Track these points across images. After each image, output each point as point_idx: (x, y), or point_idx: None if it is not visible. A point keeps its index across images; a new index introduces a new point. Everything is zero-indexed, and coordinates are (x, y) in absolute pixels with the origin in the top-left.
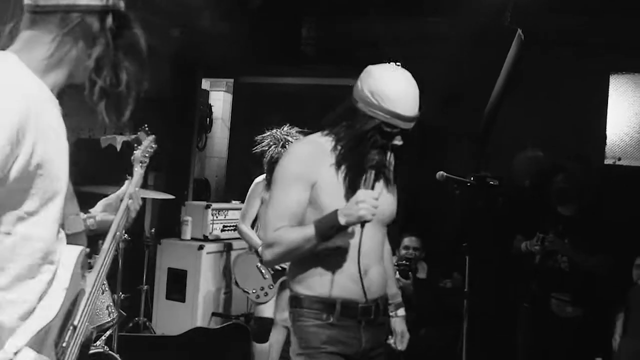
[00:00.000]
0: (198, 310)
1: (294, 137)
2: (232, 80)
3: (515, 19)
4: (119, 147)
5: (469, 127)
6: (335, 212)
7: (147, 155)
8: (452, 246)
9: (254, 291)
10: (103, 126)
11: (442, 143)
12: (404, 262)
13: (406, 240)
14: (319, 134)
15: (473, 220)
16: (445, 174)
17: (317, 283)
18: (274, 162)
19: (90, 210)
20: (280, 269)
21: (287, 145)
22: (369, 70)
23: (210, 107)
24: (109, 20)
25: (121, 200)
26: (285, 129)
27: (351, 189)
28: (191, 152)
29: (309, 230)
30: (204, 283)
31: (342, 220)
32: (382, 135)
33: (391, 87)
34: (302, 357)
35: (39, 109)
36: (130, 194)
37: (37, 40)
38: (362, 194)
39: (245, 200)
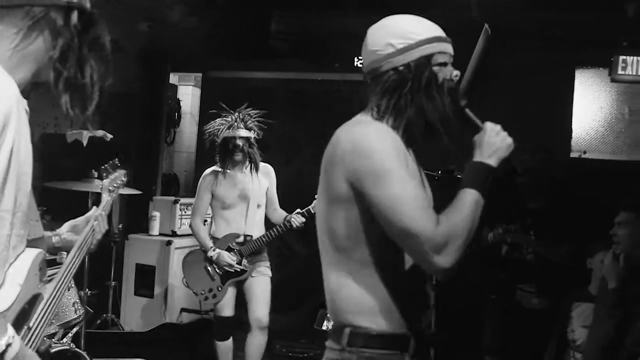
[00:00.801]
0: (167, 306)
1: (254, 118)
2: (200, 74)
3: (482, 13)
4: (85, 142)
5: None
6: (476, 162)
7: (115, 185)
8: None
9: (202, 293)
10: (69, 121)
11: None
12: None
13: None
14: (368, 120)
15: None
16: None
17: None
18: (225, 144)
19: (57, 229)
20: (234, 271)
21: (246, 124)
22: (378, 28)
23: (178, 101)
24: (74, 17)
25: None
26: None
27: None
28: (159, 147)
29: (470, 197)
30: (173, 279)
31: (493, 162)
32: (445, 67)
33: (411, 19)
34: None
35: (20, 107)
36: (96, 216)
37: (2, 34)
38: (489, 124)
39: (196, 195)
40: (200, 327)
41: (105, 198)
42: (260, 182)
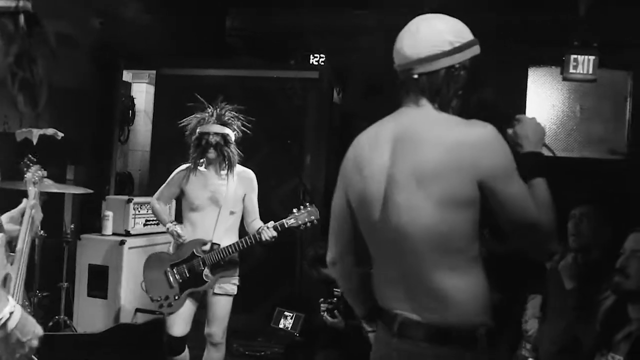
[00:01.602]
0: (121, 306)
1: (231, 114)
2: (154, 72)
3: (436, 11)
4: (35, 141)
5: None
6: (531, 152)
7: (37, 177)
8: None
9: (158, 299)
10: (19, 119)
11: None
12: (332, 299)
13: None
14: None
15: None
16: None
17: None
18: (198, 140)
19: None
20: (187, 276)
21: (222, 120)
22: (435, 25)
23: (132, 99)
24: (21, 19)
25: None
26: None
27: None
28: (113, 146)
29: (544, 185)
30: (127, 279)
31: (540, 149)
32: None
33: (458, 20)
34: None
35: None
36: (31, 205)
37: None
38: (525, 117)
39: (165, 183)
40: (155, 326)
41: (32, 190)
42: (236, 186)
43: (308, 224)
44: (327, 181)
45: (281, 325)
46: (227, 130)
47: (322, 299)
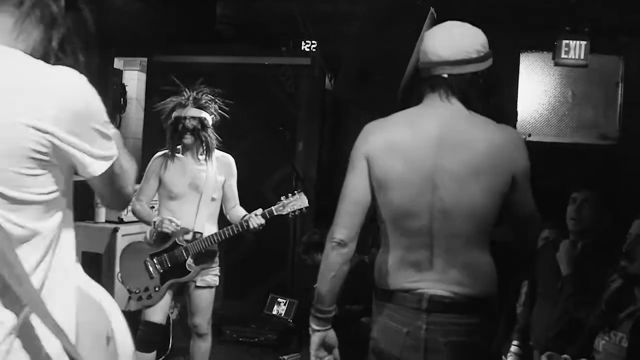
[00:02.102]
0: (114, 294)
1: (207, 97)
2: (145, 59)
3: None
4: None
5: (383, 104)
6: None
7: None
8: (369, 222)
9: (136, 291)
10: None
11: (355, 120)
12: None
13: None
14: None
15: None
16: None
17: None
18: (175, 124)
19: None
20: (169, 266)
21: (199, 103)
22: (468, 33)
23: (124, 86)
24: (62, 2)
25: None
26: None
27: None
28: None
29: None
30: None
31: None
32: None
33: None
34: None
35: None
36: None
37: (7, 27)
38: None
39: (144, 178)
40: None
41: None
42: (216, 172)
43: (297, 212)
44: (320, 167)
45: (274, 312)
46: (204, 114)
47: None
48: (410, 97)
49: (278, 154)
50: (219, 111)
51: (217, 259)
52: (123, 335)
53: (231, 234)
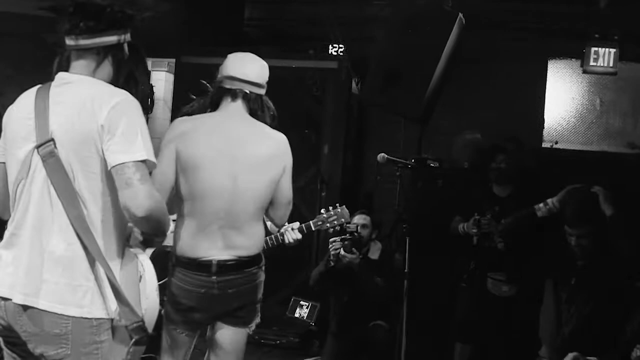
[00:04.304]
0: None
1: None
2: (174, 60)
3: (457, 2)
4: None
5: (410, 109)
6: None
7: None
8: (392, 227)
9: None
10: None
11: (381, 124)
12: (347, 235)
13: (355, 218)
14: None
15: (413, 202)
16: (386, 155)
17: None
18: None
19: None
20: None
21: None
22: None
23: (151, 87)
24: (125, 49)
25: None
26: None
27: None
28: None
29: None
30: None
31: None
32: None
33: None
34: None
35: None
36: None
37: (88, 65)
38: None
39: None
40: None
41: None
42: None
43: (337, 228)
44: (345, 171)
45: (297, 315)
46: None
47: (334, 238)
48: (436, 101)
49: (303, 157)
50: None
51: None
52: (150, 274)
53: (266, 247)
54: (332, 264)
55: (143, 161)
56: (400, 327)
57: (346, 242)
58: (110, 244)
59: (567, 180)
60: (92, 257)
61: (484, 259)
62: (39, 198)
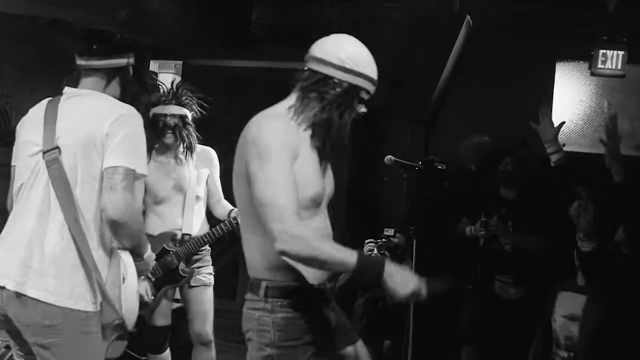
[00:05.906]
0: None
1: (188, 94)
2: (181, 62)
3: (465, 5)
4: None
5: (418, 111)
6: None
7: None
8: (400, 230)
9: None
10: None
11: (389, 127)
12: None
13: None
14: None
15: (420, 204)
16: (393, 158)
17: None
18: (154, 122)
19: None
20: (160, 273)
21: (179, 100)
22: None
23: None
24: (130, 71)
25: None
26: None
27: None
28: None
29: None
30: None
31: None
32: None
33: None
34: None
35: None
36: None
37: (98, 83)
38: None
39: None
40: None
41: None
42: (198, 169)
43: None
44: (351, 171)
45: None
46: (185, 111)
47: (369, 240)
48: (443, 104)
49: None
50: (205, 105)
51: (208, 257)
52: (132, 277)
53: (221, 233)
54: None
55: (132, 170)
56: (407, 329)
57: (380, 244)
58: (100, 245)
59: (575, 183)
60: (82, 255)
61: (490, 261)
62: (39, 198)
